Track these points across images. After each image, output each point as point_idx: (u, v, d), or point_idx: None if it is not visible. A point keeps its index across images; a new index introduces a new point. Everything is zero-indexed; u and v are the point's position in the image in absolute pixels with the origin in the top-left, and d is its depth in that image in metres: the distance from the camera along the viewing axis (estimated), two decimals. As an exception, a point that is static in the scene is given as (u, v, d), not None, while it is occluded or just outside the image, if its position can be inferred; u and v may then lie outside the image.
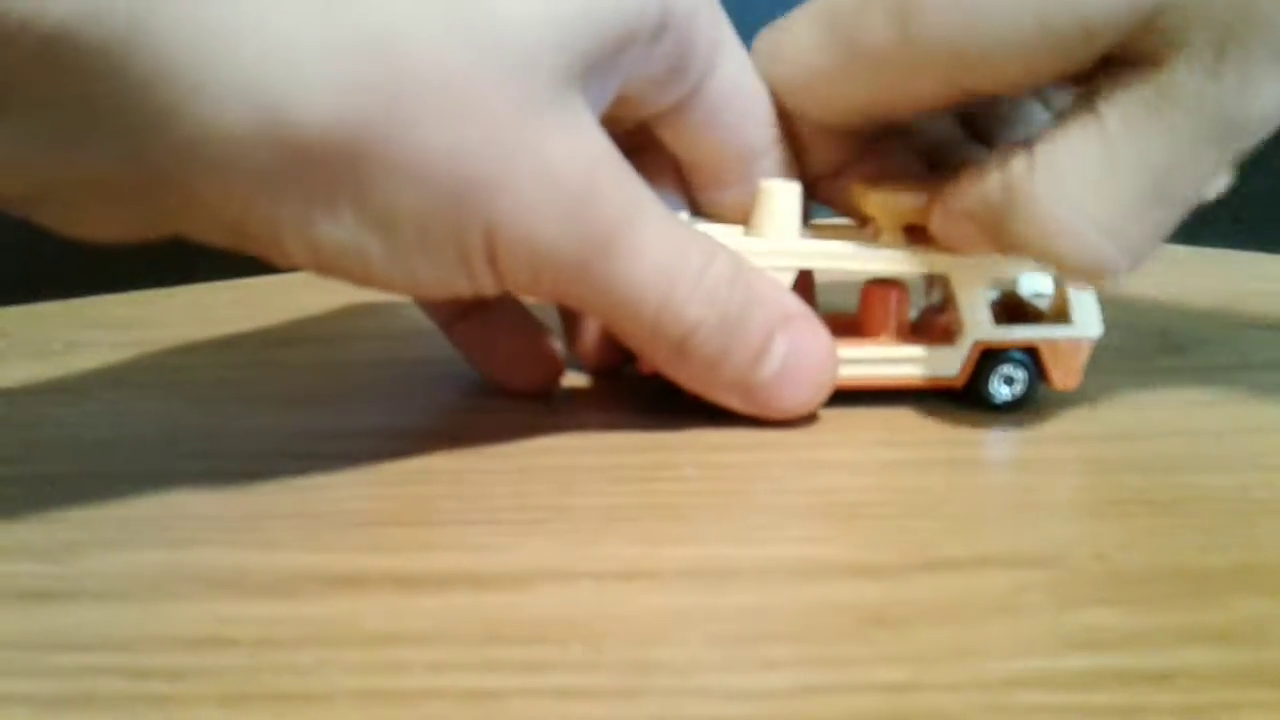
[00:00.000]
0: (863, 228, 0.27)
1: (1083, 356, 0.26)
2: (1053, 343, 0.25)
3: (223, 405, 0.26)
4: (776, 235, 0.25)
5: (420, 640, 0.16)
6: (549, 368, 0.27)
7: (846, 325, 0.27)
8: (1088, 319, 0.25)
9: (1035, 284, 0.27)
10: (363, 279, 0.20)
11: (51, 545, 0.19)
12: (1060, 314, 0.26)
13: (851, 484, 0.22)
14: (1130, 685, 0.15)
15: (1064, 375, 0.26)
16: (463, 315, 0.27)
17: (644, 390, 0.27)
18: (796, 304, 0.24)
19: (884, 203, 0.25)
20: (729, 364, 0.23)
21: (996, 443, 0.24)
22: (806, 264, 0.25)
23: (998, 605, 0.17)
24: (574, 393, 0.27)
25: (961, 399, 0.26)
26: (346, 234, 0.19)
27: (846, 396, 0.25)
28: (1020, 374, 0.26)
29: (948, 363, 0.26)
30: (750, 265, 0.23)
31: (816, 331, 0.24)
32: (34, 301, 0.36)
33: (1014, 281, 0.27)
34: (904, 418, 0.25)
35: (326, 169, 0.18)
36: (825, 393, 0.24)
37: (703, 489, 0.21)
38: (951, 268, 0.25)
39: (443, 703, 0.15)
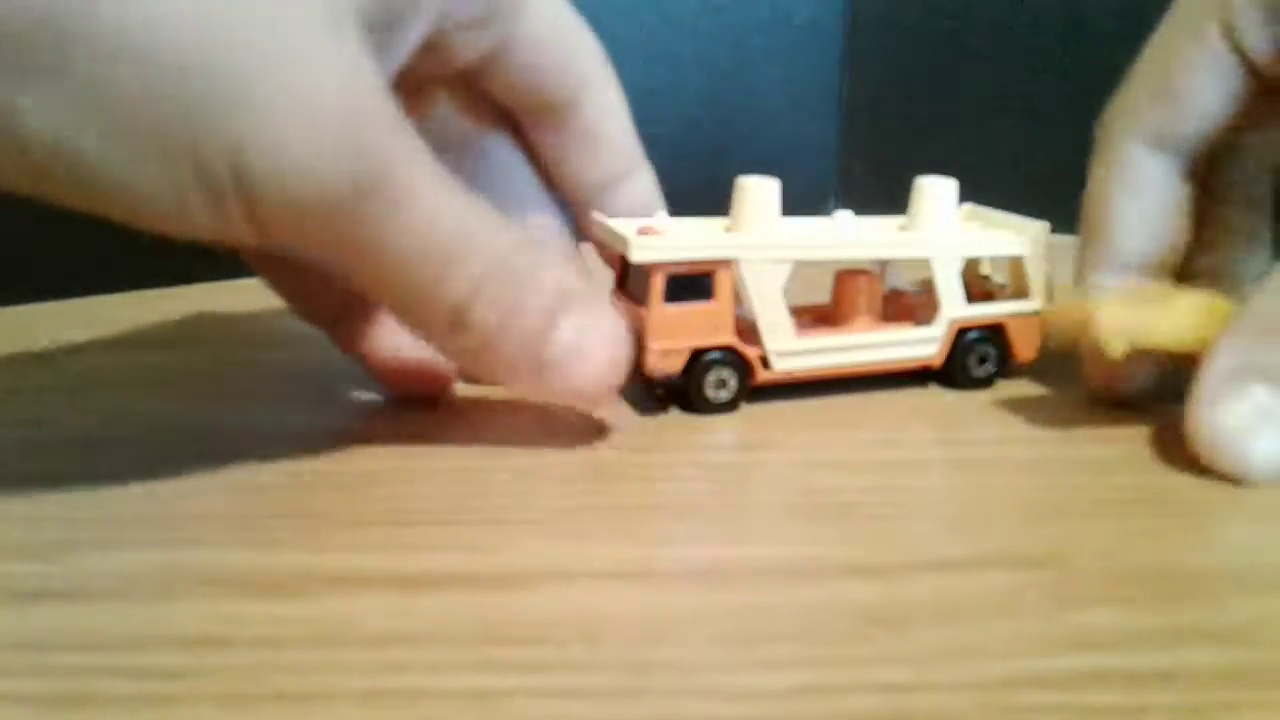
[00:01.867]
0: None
1: (1040, 329, 0.27)
2: (1018, 318, 0.27)
3: (222, 405, 0.26)
4: (759, 228, 0.26)
5: (420, 640, 0.16)
6: (435, 375, 0.26)
7: (818, 315, 0.28)
8: (1044, 294, 0.27)
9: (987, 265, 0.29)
10: (80, 194, 0.17)
11: (51, 545, 0.19)
12: (1019, 291, 0.27)
13: (851, 484, 0.22)
14: (1130, 685, 0.15)
15: (1026, 348, 0.27)
16: (343, 316, 0.25)
17: (643, 391, 0.27)
18: (581, 282, 0.23)
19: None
20: (510, 338, 0.21)
21: (996, 443, 0.24)
22: (789, 255, 0.25)
23: (997, 605, 0.17)
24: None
25: (939, 379, 0.27)
26: (55, 122, 0.16)
27: (844, 390, 0.25)
28: (992, 350, 0.27)
29: (926, 344, 0.27)
30: (531, 242, 0.22)
31: (603, 308, 0.22)
32: (33, 301, 0.36)
33: (977, 263, 0.28)
34: (904, 418, 0.25)
35: (19, 32, 0.16)
36: (620, 371, 0.22)
37: (703, 489, 0.21)
38: (928, 251, 0.26)
39: (443, 703, 0.15)
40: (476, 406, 0.26)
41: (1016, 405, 0.26)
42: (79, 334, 0.32)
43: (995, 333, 0.27)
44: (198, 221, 0.18)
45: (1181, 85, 0.25)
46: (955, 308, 0.27)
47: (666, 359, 0.25)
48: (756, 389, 0.26)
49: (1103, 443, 0.24)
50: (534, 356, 0.21)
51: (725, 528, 0.20)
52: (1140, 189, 0.26)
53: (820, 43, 0.83)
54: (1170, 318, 0.22)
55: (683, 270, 0.25)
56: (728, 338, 0.25)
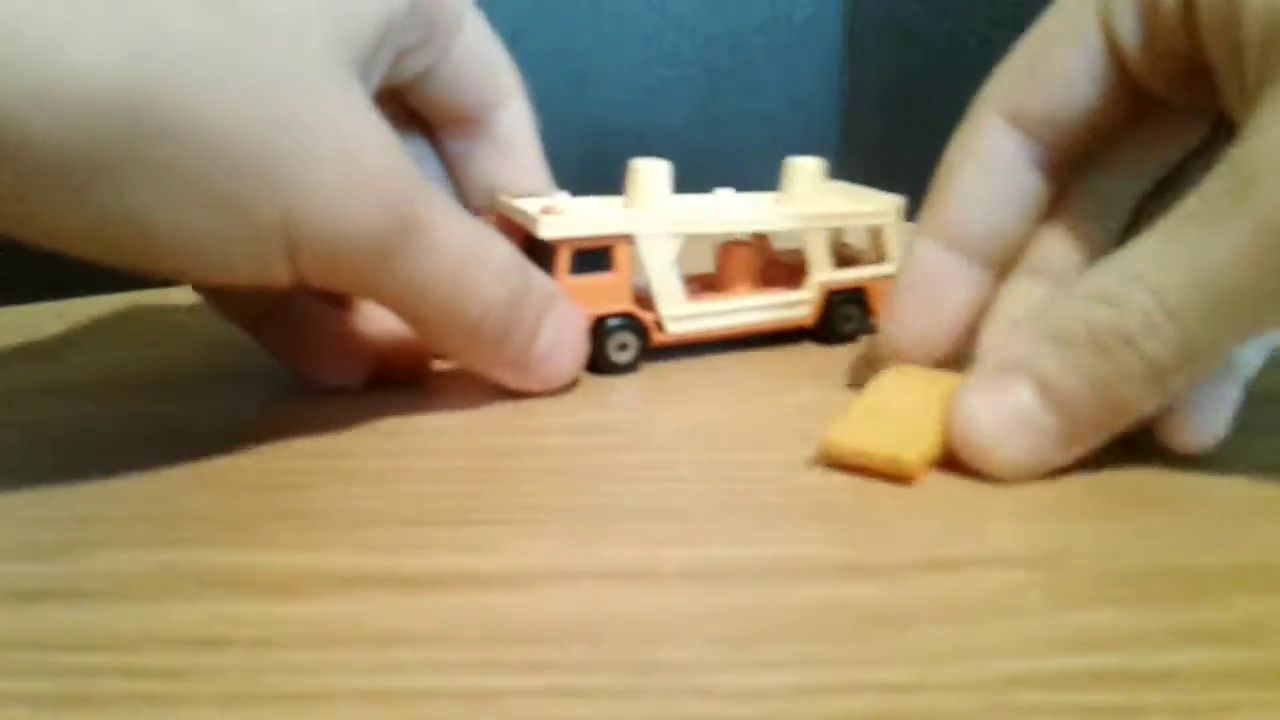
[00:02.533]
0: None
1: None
2: (878, 280, 0.31)
3: (222, 405, 0.26)
4: (652, 206, 0.28)
5: (420, 640, 0.16)
6: (361, 356, 0.27)
7: (705, 283, 0.31)
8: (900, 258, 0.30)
9: (849, 235, 0.32)
10: (146, 256, 0.20)
11: (51, 545, 0.19)
12: (879, 256, 0.31)
13: (851, 484, 0.22)
14: (1130, 685, 0.15)
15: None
16: (267, 315, 0.26)
17: (644, 390, 0.27)
18: (554, 285, 0.26)
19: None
20: (512, 342, 0.24)
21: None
22: (680, 230, 0.28)
23: (997, 605, 0.17)
24: (573, 393, 0.27)
25: (812, 337, 0.31)
26: (130, 202, 0.19)
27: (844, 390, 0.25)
28: (856, 310, 0.31)
29: (800, 305, 0.30)
30: (516, 250, 0.25)
31: (573, 308, 0.26)
32: (32, 301, 0.36)
33: (840, 232, 0.32)
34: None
35: (105, 134, 0.18)
36: (581, 363, 0.26)
37: (703, 489, 0.21)
38: (801, 223, 0.30)
39: (443, 703, 0.15)
40: (476, 407, 0.26)
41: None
42: (79, 334, 0.32)
43: (858, 294, 0.31)
44: (241, 273, 0.20)
45: (1049, 64, 0.24)
46: (824, 273, 0.30)
47: None
48: (654, 350, 0.29)
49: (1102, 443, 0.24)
50: (527, 354, 0.25)
51: (725, 528, 0.20)
52: (988, 163, 0.25)
53: (820, 43, 0.83)
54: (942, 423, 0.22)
55: (585, 245, 0.27)
56: (627, 305, 0.28)
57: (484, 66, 0.27)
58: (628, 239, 0.28)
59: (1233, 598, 0.17)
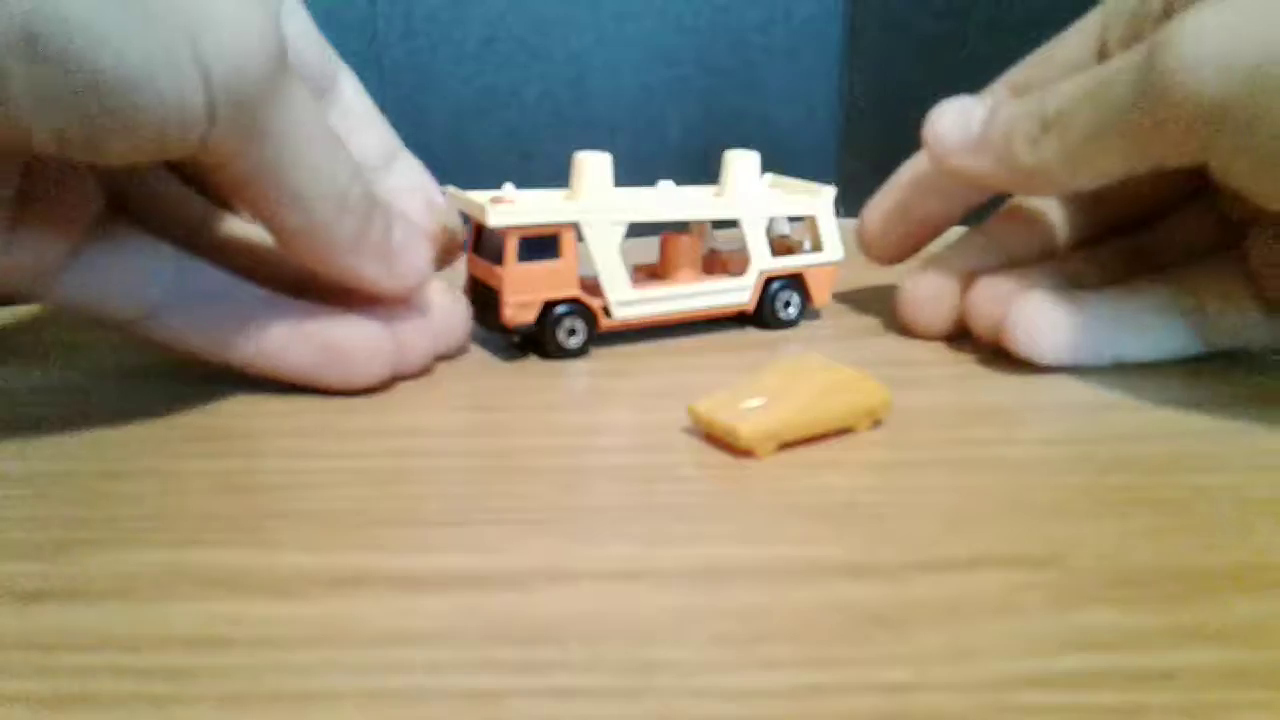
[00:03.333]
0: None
1: (833, 278, 0.33)
2: (814, 268, 0.32)
3: (222, 405, 0.26)
4: (596, 196, 0.29)
5: (420, 640, 0.16)
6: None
7: (650, 272, 0.33)
8: (835, 247, 0.33)
9: (782, 226, 0.34)
10: (95, 116, 0.19)
11: (51, 545, 0.19)
12: (815, 245, 0.33)
13: (850, 484, 0.22)
14: (1130, 685, 0.15)
15: (821, 294, 0.33)
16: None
17: (643, 390, 0.27)
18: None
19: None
20: (374, 226, 0.25)
21: (996, 443, 0.24)
22: (623, 218, 0.29)
23: (997, 605, 0.17)
24: (573, 392, 0.27)
25: (752, 322, 0.32)
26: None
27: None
28: (795, 296, 0.32)
29: (740, 291, 0.31)
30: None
31: (409, 221, 0.27)
32: (32, 301, 0.36)
33: (772, 223, 0.33)
34: (903, 417, 0.25)
35: None
36: (429, 268, 0.27)
37: (703, 489, 0.21)
38: (741, 212, 0.31)
39: (443, 703, 0.15)
40: (474, 407, 0.26)
41: (1016, 405, 0.26)
42: (78, 334, 0.32)
43: (796, 281, 0.32)
44: (167, 118, 0.20)
45: (1058, 55, 0.30)
46: (763, 261, 0.31)
47: (521, 311, 0.29)
48: (601, 335, 0.30)
49: (1103, 442, 0.24)
50: (387, 242, 0.26)
51: (725, 528, 0.20)
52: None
53: (820, 43, 0.83)
54: (805, 409, 0.23)
55: (532, 233, 0.28)
56: (574, 291, 0.29)
57: (312, 40, 0.28)
58: (573, 227, 0.29)
59: (1233, 598, 0.17)
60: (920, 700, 0.15)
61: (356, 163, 0.25)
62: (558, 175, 0.30)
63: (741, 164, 0.32)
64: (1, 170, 0.22)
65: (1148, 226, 0.32)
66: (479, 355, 0.29)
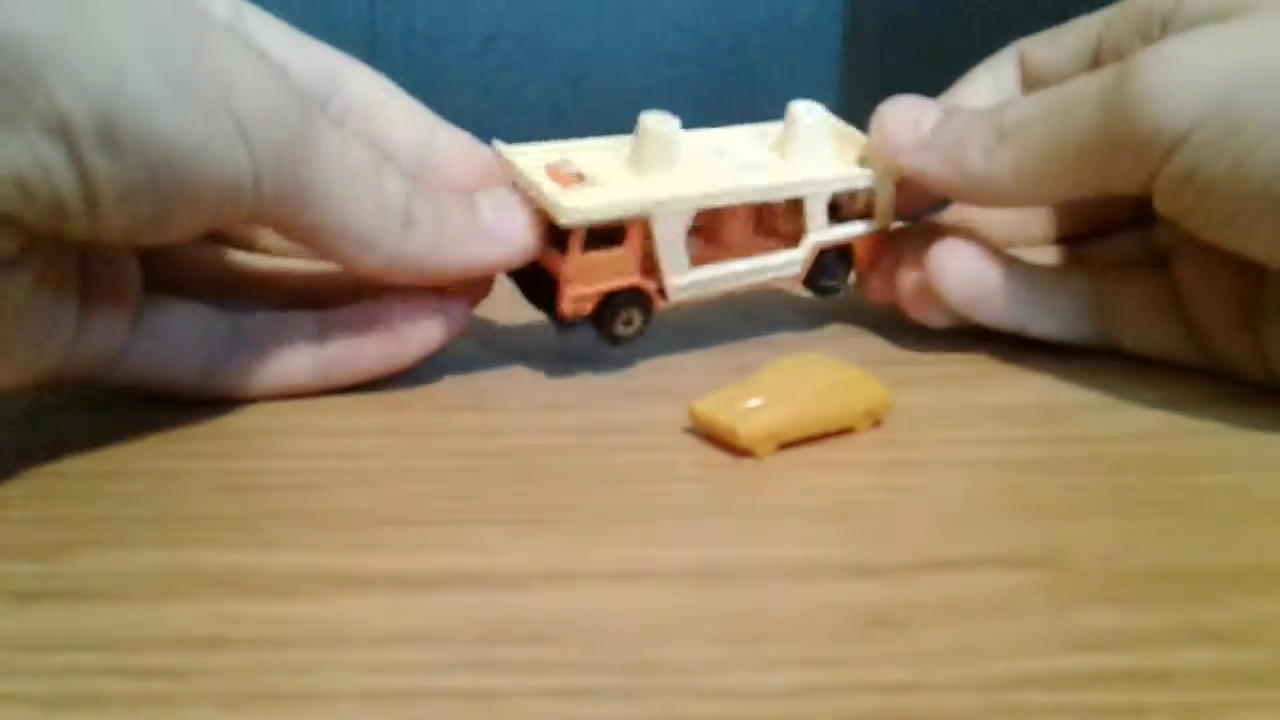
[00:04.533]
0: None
1: (880, 244, 0.31)
2: (864, 237, 0.31)
3: (222, 405, 0.26)
4: (665, 178, 0.28)
5: (420, 640, 0.16)
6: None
7: (698, 234, 0.30)
8: (886, 213, 0.31)
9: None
10: (166, 191, 0.20)
11: (51, 545, 0.19)
12: (867, 211, 0.31)
13: (851, 484, 0.22)
14: (1130, 685, 0.15)
15: (866, 260, 0.31)
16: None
17: (644, 390, 0.27)
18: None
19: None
20: (452, 219, 0.25)
21: (996, 443, 0.24)
22: (693, 206, 0.28)
23: (998, 605, 0.17)
24: (573, 392, 0.27)
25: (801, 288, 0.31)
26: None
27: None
28: (841, 267, 0.31)
29: (793, 265, 0.30)
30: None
31: (501, 188, 0.26)
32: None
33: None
34: (903, 417, 0.25)
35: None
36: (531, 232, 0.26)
37: (703, 489, 0.21)
38: (803, 190, 0.29)
39: (443, 703, 0.15)
40: (474, 407, 0.26)
41: (1016, 405, 0.26)
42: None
43: (846, 250, 0.31)
44: (241, 182, 0.21)
45: (1069, 32, 0.29)
46: (819, 233, 0.30)
47: (580, 304, 0.27)
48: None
49: (1104, 442, 0.24)
50: (474, 227, 0.25)
51: (725, 528, 0.20)
52: (999, 76, 0.30)
53: (820, 43, 0.83)
54: (806, 409, 0.23)
55: (602, 227, 0.26)
56: (634, 279, 0.27)
57: (297, 44, 0.27)
58: (643, 219, 0.27)
59: (1233, 598, 0.17)
60: (920, 700, 0.15)
61: (405, 172, 0.24)
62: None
63: (808, 125, 0.30)
64: (63, 263, 0.22)
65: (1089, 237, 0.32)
66: (479, 355, 0.29)
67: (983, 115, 0.27)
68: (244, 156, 0.21)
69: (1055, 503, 0.21)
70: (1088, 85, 0.24)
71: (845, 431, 0.24)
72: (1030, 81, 0.30)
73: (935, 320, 0.29)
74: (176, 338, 0.25)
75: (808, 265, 0.30)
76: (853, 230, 0.31)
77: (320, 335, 0.26)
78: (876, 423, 0.24)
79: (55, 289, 0.22)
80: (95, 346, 0.24)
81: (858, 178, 0.30)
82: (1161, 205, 0.24)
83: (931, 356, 0.30)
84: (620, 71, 0.81)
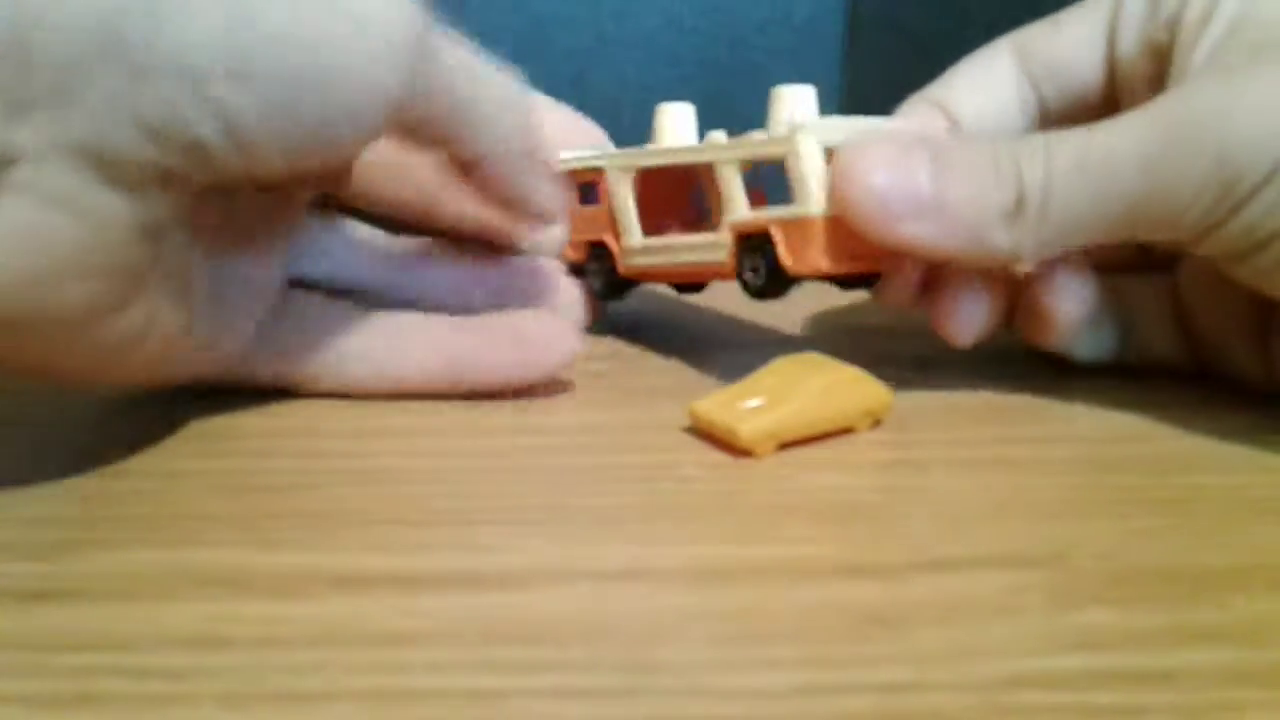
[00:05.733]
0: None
1: (820, 239, 0.25)
2: (786, 224, 0.25)
3: (221, 405, 0.26)
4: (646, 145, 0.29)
5: (420, 640, 0.16)
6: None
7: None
8: (812, 197, 0.25)
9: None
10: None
11: (51, 545, 0.19)
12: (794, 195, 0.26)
13: (850, 484, 0.22)
14: (1130, 685, 0.15)
15: (796, 258, 0.25)
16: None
17: (644, 390, 0.27)
18: None
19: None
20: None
21: (996, 443, 0.24)
22: (630, 163, 0.29)
23: (997, 605, 0.17)
24: (572, 392, 0.27)
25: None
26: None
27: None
28: (760, 260, 0.26)
29: (715, 248, 0.27)
30: None
31: None
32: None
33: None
34: (903, 417, 0.25)
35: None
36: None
37: (703, 489, 0.21)
38: (705, 155, 0.27)
39: (443, 703, 0.15)
40: (474, 407, 0.26)
41: (1017, 405, 0.26)
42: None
43: (766, 240, 0.26)
44: (386, 90, 0.21)
45: (1066, 24, 0.28)
46: (734, 214, 0.26)
47: (575, 250, 0.31)
48: (622, 281, 0.30)
49: (1103, 443, 0.24)
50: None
51: (725, 528, 0.20)
52: (991, 69, 0.28)
53: (820, 43, 0.83)
54: (805, 409, 0.23)
55: (577, 179, 0.30)
56: (604, 234, 0.30)
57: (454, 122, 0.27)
58: (601, 172, 0.29)
59: (1233, 598, 0.17)
60: (920, 700, 0.15)
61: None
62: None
63: (792, 99, 0.28)
64: (188, 264, 0.22)
65: None
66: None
67: (992, 168, 0.23)
68: (380, 63, 0.21)
69: (1054, 503, 0.21)
70: (1127, 140, 0.22)
71: (845, 431, 0.24)
72: (1037, 79, 0.28)
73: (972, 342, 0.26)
74: (311, 329, 0.26)
75: (731, 253, 0.27)
76: (769, 213, 0.25)
77: (454, 336, 0.26)
78: (876, 423, 0.24)
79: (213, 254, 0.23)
80: (225, 350, 0.24)
81: (771, 144, 0.26)
82: (1208, 252, 0.22)
83: (931, 356, 0.30)
84: (621, 71, 0.81)
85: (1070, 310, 0.25)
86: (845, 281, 0.28)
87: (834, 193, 0.24)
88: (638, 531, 0.19)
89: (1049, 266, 0.25)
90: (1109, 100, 0.27)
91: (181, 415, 0.25)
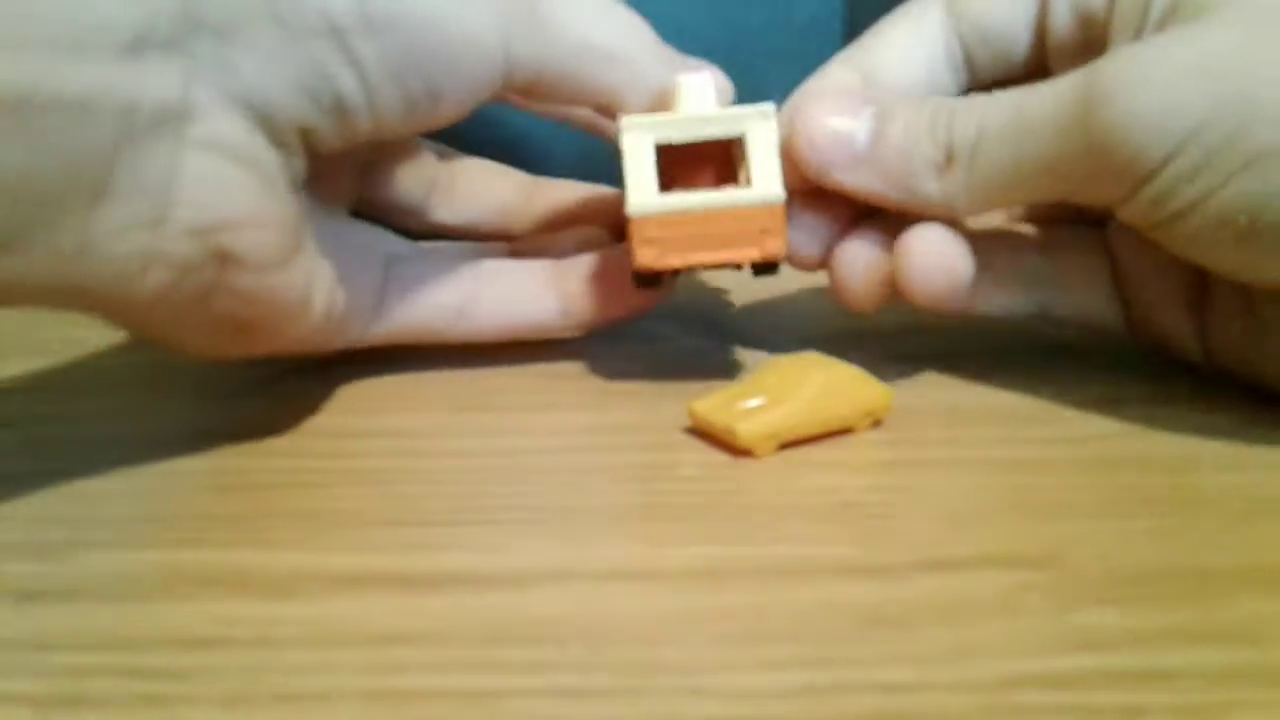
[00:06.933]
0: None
1: (772, 226, 0.24)
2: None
3: (221, 405, 0.26)
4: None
5: (420, 640, 0.16)
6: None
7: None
8: (770, 182, 0.24)
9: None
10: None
11: (51, 545, 0.19)
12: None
13: (851, 484, 0.22)
14: (1130, 685, 0.15)
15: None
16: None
17: (644, 390, 0.27)
18: None
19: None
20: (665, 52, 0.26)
21: (996, 443, 0.24)
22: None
23: (998, 605, 0.17)
24: (573, 393, 0.27)
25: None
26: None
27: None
28: None
29: None
30: None
31: None
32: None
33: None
34: (903, 417, 0.25)
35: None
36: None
37: (703, 489, 0.21)
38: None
39: (443, 703, 0.15)
40: (473, 407, 0.26)
41: (1016, 405, 0.26)
42: (78, 332, 0.32)
43: None
44: (494, 39, 0.22)
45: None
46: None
47: None
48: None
49: (1103, 442, 0.24)
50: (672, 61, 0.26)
51: (725, 528, 0.20)
52: (919, 29, 0.27)
53: (821, 43, 0.83)
54: (805, 409, 0.23)
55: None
56: None
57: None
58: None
59: (1233, 598, 0.17)
60: (920, 700, 0.15)
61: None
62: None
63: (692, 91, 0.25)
64: (305, 231, 0.23)
65: None
66: (479, 355, 0.29)
67: (925, 125, 0.24)
68: (484, 14, 0.22)
69: (1054, 503, 0.21)
70: (1047, 105, 0.22)
71: (845, 431, 0.24)
72: (967, 38, 0.27)
73: (868, 307, 0.26)
74: (430, 281, 0.27)
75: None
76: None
77: (559, 277, 0.27)
78: (876, 423, 0.24)
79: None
80: (360, 293, 0.25)
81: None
82: (1128, 219, 0.23)
83: (931, 356, 0.30)
84: (620, 72, 0.81)
85: (947, 268, 0.25)
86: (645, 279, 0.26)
87: (784, 138, 0.25)
88: (638, 531, 0.19)
89: (926, 227, 0.25)
90: (1039, 64, 0.27)
91: (181, 415, 0.25)
